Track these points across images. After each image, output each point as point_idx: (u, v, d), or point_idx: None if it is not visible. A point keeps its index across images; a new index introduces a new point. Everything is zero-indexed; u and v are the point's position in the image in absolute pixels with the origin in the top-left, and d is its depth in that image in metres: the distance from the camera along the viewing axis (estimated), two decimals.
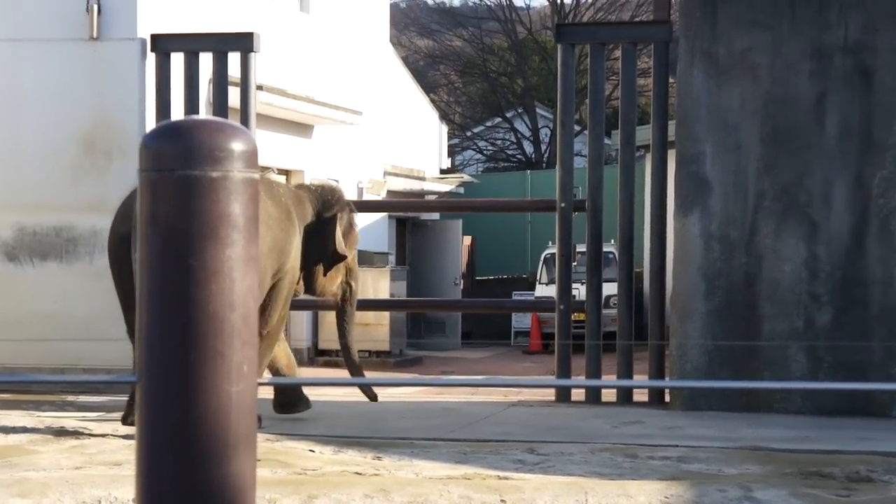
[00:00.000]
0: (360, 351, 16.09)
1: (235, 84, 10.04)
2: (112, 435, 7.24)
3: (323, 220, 8.03)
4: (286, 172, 14.82)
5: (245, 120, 9.85)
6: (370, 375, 13.16)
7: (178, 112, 10.09)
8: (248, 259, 2.47)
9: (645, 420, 8.08)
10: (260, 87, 11.07)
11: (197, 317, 2.33)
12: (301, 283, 8.11)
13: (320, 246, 8.01)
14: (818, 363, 8.28)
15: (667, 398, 8.86)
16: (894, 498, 5.65)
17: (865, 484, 5.97)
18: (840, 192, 8.39)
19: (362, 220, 17.88)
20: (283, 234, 7.78)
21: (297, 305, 9.16)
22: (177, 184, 2.35)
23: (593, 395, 9.12)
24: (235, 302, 2.39)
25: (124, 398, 8.17)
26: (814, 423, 7.79)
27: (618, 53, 16.43)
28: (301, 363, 15.64)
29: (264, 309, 7.78)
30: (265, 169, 13.05)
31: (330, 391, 9.71)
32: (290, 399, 8.21)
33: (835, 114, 8.48)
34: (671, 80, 9.58)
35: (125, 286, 7.57)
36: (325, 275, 8.15)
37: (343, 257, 8.06)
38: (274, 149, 13.51)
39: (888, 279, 8.30)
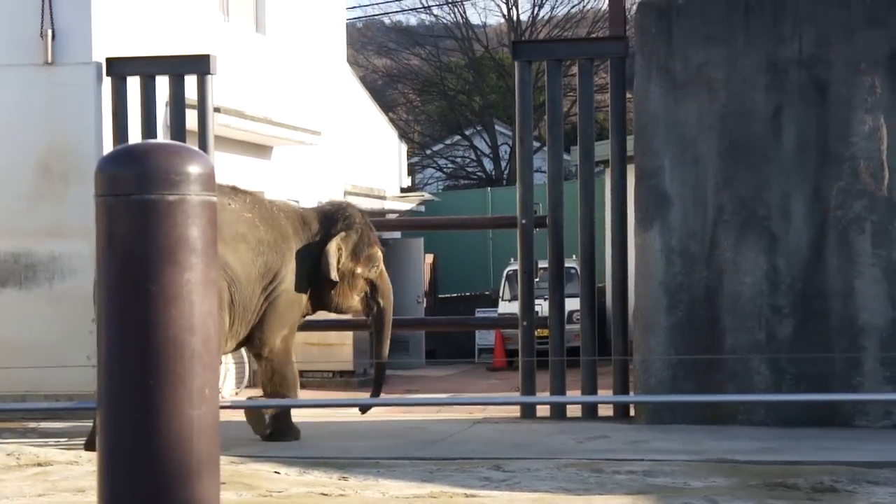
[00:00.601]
0: (323, 371, 16.09)
1: (193, 107, 9.99)
2: (75, 462, 7.17)
3: (319, 241, 8.09)
4: None
5: (203, 142, 9.80)
6: (333, 396, 13.12)
7: (135, 136, 10.03)
8: (207, 282, 2.45)
9: (610, 435, 8.08)
10: (217, 110, 11.01)
11: (156, 341, 2.31)
12: (310, 302, 8.20)
13: (318, 266, 8.07)
14: (781, 375, 8.32)
15: (632, 412, 8.86)
16: None
17: (830, 494, 5.97)
18: (798, 204, 8.43)
19: None
20: (277, 256, 7.92)
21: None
22: (133, 208, 2.33)
23: (558, 411, 9.11)
24: (195, 326, 2.37)
25: (87, 424, 8.09)
26: (777, 435, 7.82)
27: (575, 70, 16.48)
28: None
29: (258, 331, 7.92)
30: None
31: (295, 412, 9.65)
32: (279, 427, 8.19)
33: (791, 127, 8.53)
34: (628, 96, 9.61)
35: None
36: (334, 293, 8.17)
37: (331, 279, 8.04)
38: (233, 171, 13.44)
39: (848, 290, 8.35)
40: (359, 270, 8.21)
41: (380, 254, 8.32)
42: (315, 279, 8.08)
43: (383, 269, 8.40)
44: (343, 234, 8.13)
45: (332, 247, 8.04)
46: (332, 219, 8.20)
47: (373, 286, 8.32)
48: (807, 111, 8.51)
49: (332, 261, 8.02)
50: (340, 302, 8.27)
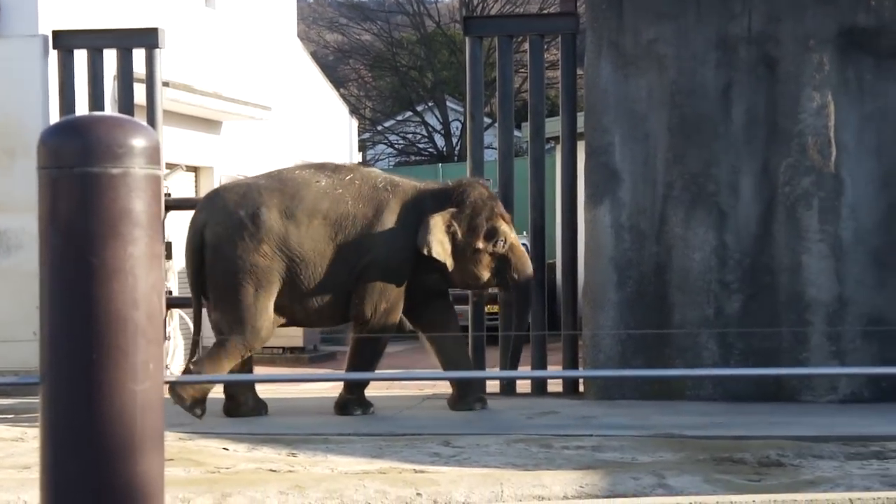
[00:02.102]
0: (273, 347, 16.01)
1: (141, 81, 9.89)
2: (20, 439, 7.10)
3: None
4: (195, 169, 14.65)
5: (151, 117, 9.70)
6: (283, 372, 13.08)
7: (82, 110, 9.92)
8: (151, 256, 2.42)
9: (559, 410, 8.10)
10: (166, 84, 10.91)
11: (99, 316, 2.28)
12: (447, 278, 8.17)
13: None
14: (729, 350, 8.37)
15: (581, 388, 8.89)
16: (805, 482, 5.70)
17: (776, 468, 6.03)
18: (747, 180, 8.47)
19: None
20: (364, 231, 8.00)
21: None
22: (76, 181, 2.29)
23: (508, 387, 9.13)
24: (139, 300, 2.34)
25: (33, 401, 8.00)
26: (725, 410, 7.87)
27: (526, 46, 16.46)
28: None
29: (354, 304, 8.01)
30: (173, 166, 12.91)
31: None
32: (349, 400, 8.22)
33: (741, 103, 8.56)
34: (579, 72, 9.61)
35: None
36: (457, 270, 8.10)
37: (430, 256, 7.97)
38: (182, 146, 13.35)
39: (795, 266, 8.41)
40: (480, 246, 8.09)
41: (505, 227, 8.16)
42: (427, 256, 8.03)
43: (515, 242, 8.22)
44: (453, 210, 8.05)
45: (431, 222, 7.98)
46: (446, 196, 8.16)
47: (503, 261, 8.18)
48: (756, 88, 8.54)
49: (428, 237, 7.95)
50: (466, 279, 8.20)
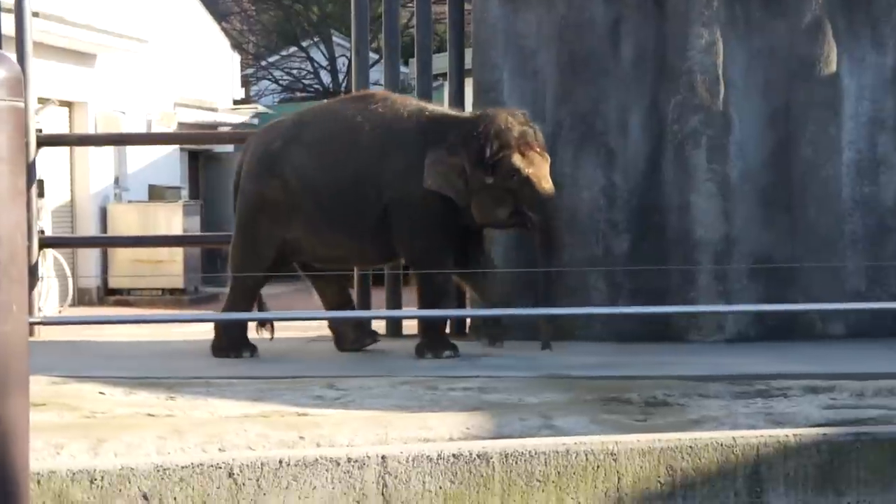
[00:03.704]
0: (152, 289, 15.75)
1: (9, 11, 9.50)
2: None
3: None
4: (68, 104, 14.24)
5: (20, 49, 9.31)
6: (162, 314, 12.83)
7: None
8: (14, 192, 2.33)
9: None
10: (36, 14, 10.50)
11: None
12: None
13: None
14: (617, 290, 8.35)
15: (467, 329, 8.82)
16: (690, 420, 5.74)
17: (662, 408, 6.04)
18: (636, 118, 8.42)
19: (151, 153, 17.43)
20: (380, 161, 7.54)
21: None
22: None
23: (393, 328, 9.03)
24: (1, 238, 2.24)
25: None
26: (614, 350, 7.87)
27: None
28: (91, 302, 15.21)
29: (395, 240, 7.60)
30: (45, 101, 12.50)
31: (121, 330, 9.39)
32: (426, 341, 7.74)
33: (630, 40, 8.50)
34: (467, 7, 9.47)
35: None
36: (473, 207, 7.49)
37: (434, 191, 7.45)
38: (54, 79, 12.94)
39: (684, 205, 8.40)
40: (489, 181, 7.41)
41: (518, 161, 7.40)
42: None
43: (531, 176, 7.43)
44: (463, 141, 7.46)
45: (434, 155, 7.45)
46: (467, 126, 7.55)
47: (518, 198, 7.47)
48: (645, 24, 8.48)
49: (429, 170, 7.44)
50: (483, 217, 7.56)
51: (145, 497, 4.92)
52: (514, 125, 7.48)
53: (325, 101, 8.72)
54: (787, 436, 5.29)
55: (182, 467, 4.95)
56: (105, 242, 14.45)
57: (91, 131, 14.83)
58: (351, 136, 7.68)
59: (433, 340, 7.71)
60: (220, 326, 7.93)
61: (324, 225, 7.73)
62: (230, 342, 7.89)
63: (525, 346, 7.56)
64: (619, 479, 5.16)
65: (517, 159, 7.41)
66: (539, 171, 7.47)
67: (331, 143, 7.73)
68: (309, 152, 7.75)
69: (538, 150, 7.51)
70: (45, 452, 5.20)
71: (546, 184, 7.47)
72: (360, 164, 7.65)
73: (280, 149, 7.82)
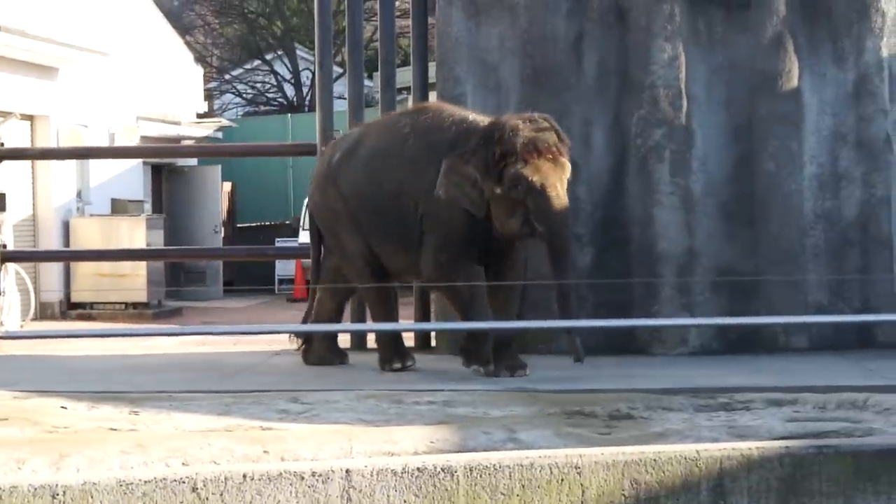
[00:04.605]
0: (115, 303, 15.64)
1: None
2: None
3: None
4: (30, 118, 14.15)
5: None
6: (125, 328, 12.74)
7: None
8: None
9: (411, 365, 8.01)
10: None
11: None
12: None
13: None
14: (581, 303, 8.32)
15: (433, 342, 8.81)
16: (654, 434, 5.74)
17: (626, 421, 6.06)
18: (599, 132, 8.45)
19: (114, 167, 17.33)
20: (415, 171, 7.42)
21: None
22: None
23: (358, 342, 9.00)
24: None
25: None
26: (577, 364, 7.86)
27: None
28: (53, 316, 15.08)
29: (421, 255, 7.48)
30: (6, 114, 12.42)
31: (84, 344, 9.33)
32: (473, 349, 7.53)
33: (593, 54, 8.52)
34: (431, 21, 9.48)
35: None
36: (492, 216, 7.24)
37: (443, 199, 7.24)
38: (16, 93, 12.85)
39: (647, 219, 8.43)
40: (498, 191, 7.12)
41: (525, 170, 7.05)
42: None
43: (536, 184, 7.07)
44: (475, 149, 7.22)
45: (445, 164, 7.21)
46: (486, 134, 7.29)
47: (527, 208, 7.14)
48: (608, 38, 8.51)
49: (441, 179, 7.21)
50: (498, 227, 7.25)
51: None
52: (523, 131, 7.13)
53: (388, 113, 8.60)
54: (750, 449, 5.29)
55: (145, 482, 4.91)
56: (67, 256, 14.35)
57: (53, 145, 14.75)
58: (398, 148, 7.60)
59: (478, 351, 7.50)
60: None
61: (380, 237, 7.66)
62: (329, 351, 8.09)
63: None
64: (583, 492, 5.15)
65: (521, 167, 7.07)
66: (546, 179, 7.10)
67: (381, 156, 7.66)
68: (363, 165, 7.70)
69: (550, 156, 7.13)
70: (7, 467, 5.15)
71: (552, 192, 7.10)
72: (403, 176, 7.55)
73: (339, 161, 7.83)
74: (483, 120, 7.55)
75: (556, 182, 7.15)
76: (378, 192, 7.62)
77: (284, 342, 8.79)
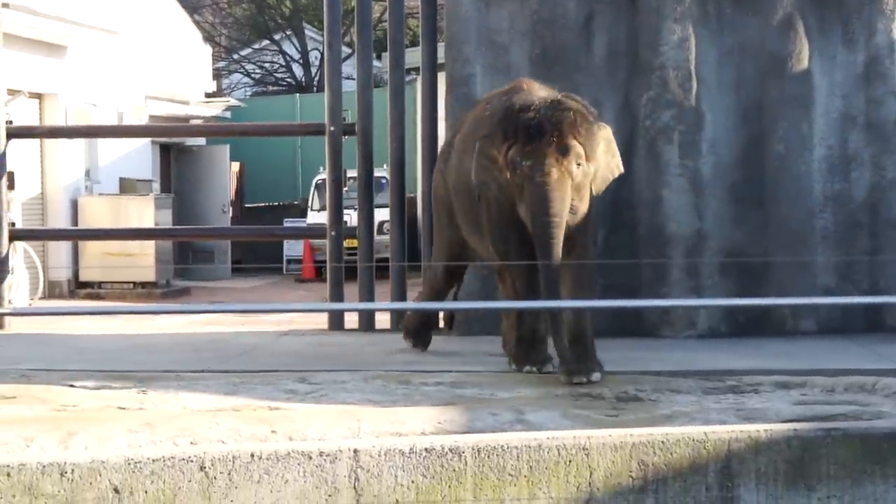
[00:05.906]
0: (123, 282, 15.66)
1: None
2: None
3: None
4: (39, 96, 14.14)
5: None
6: (133, 306, 12.75)
7: None
8: None
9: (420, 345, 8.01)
10: (6, 5, 10.46)
11: None
12: None
13: None
14: None
15: (441, 324, 8.81)
16: (662, 416, 5.75)
17: (634, 403, 6.07)
18: (608, 113, 8.42)
19: (123, 146, 17.33)
20: (463, 158, 7.05)
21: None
22: None
23: (367, 323, 9.01)
24: None
25: None
26: None
27: None
28: (61, 295, 15.11)
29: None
30: (15, 92, 12.41)
31: (92, 323, 9.36)
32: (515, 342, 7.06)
33: (602, 35, 8.50)
34: (440, 2, 9.46)
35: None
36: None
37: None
38: (24, 71, 12.84)
39: (656, 200, 8.42)
40: (507, 175, 6.63)
41: (516, 153, 6.52)
42: None
43: (527, 170, 6.49)
44: (494, 132, 6.75)
45: (476, 148, 6.83)
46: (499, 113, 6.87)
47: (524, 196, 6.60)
48: (618, 19, 8.48)
49: (474, 163, 6.82)
50: (520, 213, 6.69)
51: (116, 490, 4.89)
52: (521, 112, 6.61)
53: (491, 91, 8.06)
54: (758, 431, 5.30)
55: (153, 461, 4.93)
56: (76, 235, 14.35)
57: (62, 123, 14.76)
58: (479, 129, 6.97)
59: (523, 339, 6.98)
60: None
61: (466, 224, 7.27)
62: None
63: (498, 341, 7.54)
64: (590, 473, 5.16)
65: (516, 151, 6.55)
66: (535, 164, 6.47)
67: (462, 143, 7.22)
68: (454, 151, 7.33)
69: (551, 141, 6.47)
70: (16, 445, 5.17)
71: (539, 178, 6.44)
72: (453, 160, 7.33)
73: (447, 144, 7.67)
74: (528, 98, 6.89)
75: (549, 169, 6.46)
76: (460, 176, 7.14)
77: (292, 322, 8.80)
